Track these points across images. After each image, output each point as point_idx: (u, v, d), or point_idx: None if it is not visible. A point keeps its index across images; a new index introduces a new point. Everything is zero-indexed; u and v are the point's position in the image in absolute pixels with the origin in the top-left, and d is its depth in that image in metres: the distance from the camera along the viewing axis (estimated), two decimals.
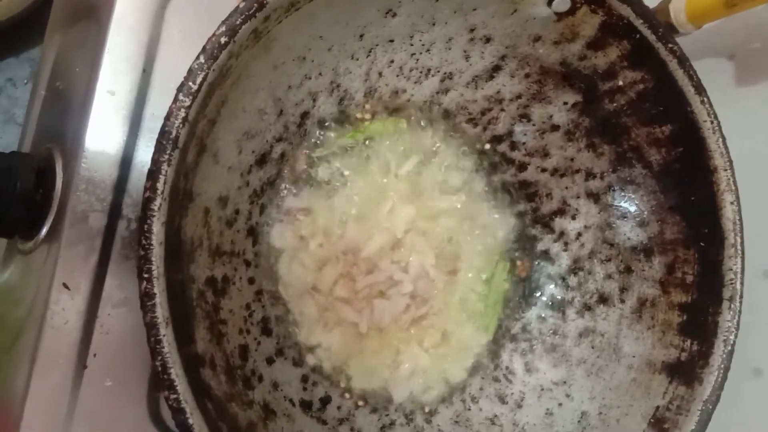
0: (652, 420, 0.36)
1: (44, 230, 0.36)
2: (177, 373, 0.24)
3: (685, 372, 0.36)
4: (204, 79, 0.25)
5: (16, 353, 0.35)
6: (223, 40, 0.25)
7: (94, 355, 0.35)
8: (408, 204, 0.39)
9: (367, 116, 0.39)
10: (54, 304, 0.34)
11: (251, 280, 0.35)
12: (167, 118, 0.25)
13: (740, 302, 0.36)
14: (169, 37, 0.37)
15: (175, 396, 0.24)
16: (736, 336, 0.36)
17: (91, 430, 0.34)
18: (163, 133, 0.24)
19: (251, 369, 0.33)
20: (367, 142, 0.39)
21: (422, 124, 0.40)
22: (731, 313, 0.36)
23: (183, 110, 0.25)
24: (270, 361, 0.34)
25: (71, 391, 0.34)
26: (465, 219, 0.41)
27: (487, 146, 0.42)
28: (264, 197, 0.35)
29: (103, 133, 0.36)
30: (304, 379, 0.36)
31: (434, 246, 0.40)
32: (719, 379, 0.35)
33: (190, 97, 0.25)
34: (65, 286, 0.34)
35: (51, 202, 0.36)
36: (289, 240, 0.36)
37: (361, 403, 0.37)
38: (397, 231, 0.39)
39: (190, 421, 0.24)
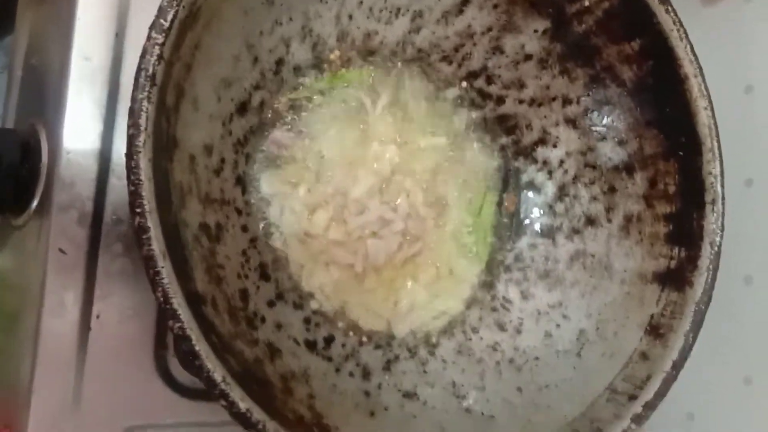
0: (648, 328, 0.37)
1: (34, 203, 0.36)
2: (179, 303, 0.25)
3: (675, 278, 0.37)
4: (174, 15, 0.26)
5: (21, 323, 0.36)
6: None
7: (97, 316, 0.35)
8: (391, 144, 0.40)
9: (342, 60, 0.39)
10: (52, 271, 0.34)
11: (244, 228, 0.35)
12: (142, 55, 0.25)
13: (723, 204, 0.37)
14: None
15: (179, 324, 0.24)
16: (721, 237, 0.37)
17: (101, 390, 0.35)
18: (140, 70, 0.25)
19: (253, 311, 0.33)
20: (344, 89, 0.40)
21: (398, 65, 0.41)
22: (715, 215, 0.37)
23: (157, 47, 0.25)
24: (271, 305, 0.35)
25: (77, 353, 0.34)
26: (449, 156, 0.42)
27: (464, 83, 0.43)
28: (248, 146, 0.36)
29: (83, 102, 0.36)
30: (306, 321, 0.37)
31: (421, 184, 0.41)
32: (709, 280, 0.36)
33: (163, 34, 0.25)
34: (61, 251, 0.35)
35: (38, 175, 0.37)
36: (279, 186, 0.36)
37: (365, 339, 0.38)
38: (383, 171, 0.39)
39: (197, 347, 0.25)
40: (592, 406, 0.36)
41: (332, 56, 0.38)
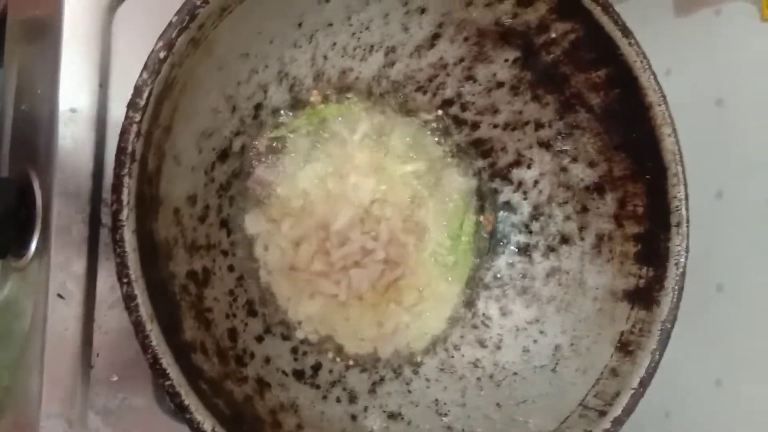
0: (618, 344, 0.39)
1: (32, 247, 0.39)
2: (168, 362, 0.27)
3: (644, 297, 0.39)
4: (150, 93, 0.27)
5: (25, 363, 0.38)
6: (162, 54, 0.27)
7: (97, 354, 0.37)
8: (369, 176, 0.42)
9: (320, 98, 0.41)
10: (52, 314, 0.36)
11: (231, 268, 0.37)
12: (121, 134, 0.27)
13: (687, 227, 0.38)
14: (119, 50, 0.38)
15: (169, 382, 0.27)
16: (686, 258, 0.38)
17: (105, 422, 0.37)
18: (120, 149, 0.27)
19: (242, 348, 0.36)
20: (322, 124, 0.41)
21: (372, 98, 0.42)
22: (680, 237, 0.38)
23: (135, 125, 0.27)
24: (259, 339, 0.37)
25: (81, 391, 0.37)
26: (426, 182, 0.44)
27: (439, 111, 0.44)
28: (231, 189, 0.37)
29: (72, 149, 0.38)
30: (294, 350, 0.39)
31: (400, 211, 0.43)
32: (674, 300, 0.38)
33: (140, 113, 0.27)
34: (60, 296, 0.37)
35: (34, 219, 0.39)
36: (263, 225, 0.38)
37: (351, 363, 0.40)
38: (362, 203, 0.41)
39: (186, 402, 0.27)
40: (565, 422, 0.38)
41: (310, 96, 0.40)
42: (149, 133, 0.28)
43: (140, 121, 0.27)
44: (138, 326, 0.26)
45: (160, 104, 0.29)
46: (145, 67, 0.27)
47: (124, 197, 0.26)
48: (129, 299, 0.26)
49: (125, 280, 0.26)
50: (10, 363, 0.42)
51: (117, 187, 0.26)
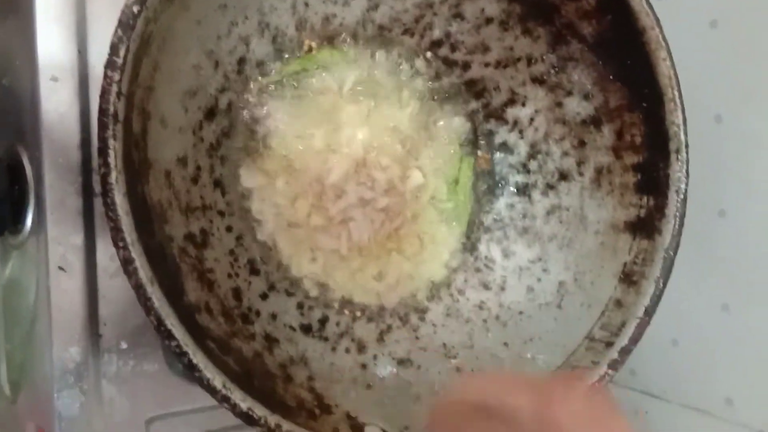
0: (621, 276, 0.39)
1: (28, 222, 0.38)
2: (172, 323, 0.27)
3: (645, 227, 0.39)
4: (127, 50, 0.26)
5: (34, 338, 0.39)
6: (135, 9, 0.26)
7: (105, 324, 0.38)
8: (362, 126, 0.41)
9: (305, 48, 0.39)
10: (55, 287, 0.36)
11: (229, 228, 0.37)
12: (102, 95, 0.26)
13: (687, 152, 0.38)
14: (95, 15, 0.37)
15: (175, 343, 0.27)
16: (686, 184, 0.38)
17: (119, 390, 0.38)
18: (102, 110, 0.26)
19: (247, 307, 0.36)
20: (312, 72, 0.40)
21: (360, 43, 0.41)
22: (679, 163, 0.38)
23: (114, 85, 0.26)
24: (264, 297, 0.37)
25: (93, 360, 0.37)
26: (420, 128, 0.43)
27: (428, 53, 0.43)
28: (222, 149, 0.37)
29: (57, 120, 0.37)
30: (300, 306, 0.39)
31: (396, 159, 0.42)
32: (676, 226, 0.38)
33: (118, 71, 0.26)
34: (61, 268, 0.37)
35: (27, 194, 0.38)
36: (258, 179, 0.38)
37: (358, 314, 0.41)
38: (356, 153, 0.41)
39: (195, 360, 0.27)
40: (573, 355, 0.38)
41: (294, 46, 0.39)
42: (131, 93, 0.28)
43: (120, 80, 0.26)
44: (139, 289, 0.26)
45: (139, 62, 0.28)
46: (119, 23, 0.26)
47: (111, 160, 0.26)
48: (127, 263, 0.26)
49: (121, 244, 0.26)
50: (21, 341, 0.42)
51: (103, 150, 0.26)
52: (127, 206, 0.26)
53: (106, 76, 0.26)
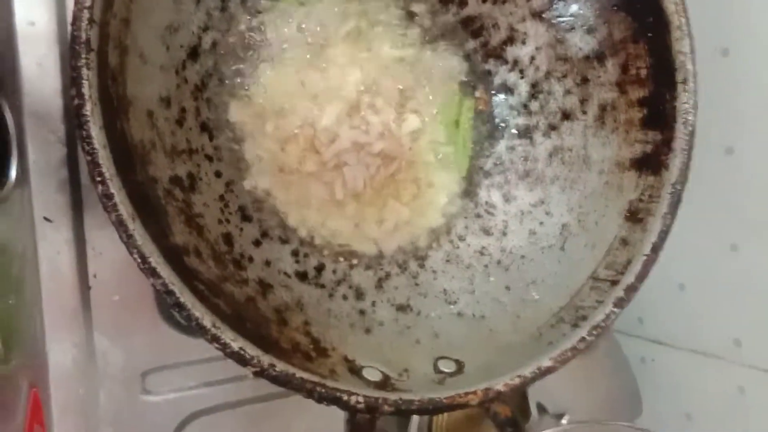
0: (627, 214, 0.38)
1: (12, 174, 0.37)
2: (157, 261, 0.26)
3: (652, 162, 0.37)
4: None
5: (24, 294, 0.38)
6: None
7: (95, 275, 0.37)
8: (355, 66, 0.39)
9: None
10: (42, 240, 0.35)
11: (218, 174, 0.36)
12: (73, 22, 0.25)
13: (694, 82, 0.36)
14: None
15: (161, 281, 0.26)
16: (695, 116, 0.36)
17: (113, 342, 0.37)
18: (73, 37, 0.24)
19: (239, 252, 0.35)
20: (302, 8, 0.38)
21: None
22: (687, 94, 0.36)
23: (86, 11, 0.25)
24: (257, 244, 0.36)
25: (83, 313, 0.36)
26: (416, 68, 0.41)
27: None
28: (207, 91, 0.35)
29: (36, 67, 0.35)
30: (295, 253, 0.38)
31: (391, 101, 0.40)
32: (684, 161, 0.36)
33: None
34: (47, 219, 0.36)
35: (9, 146, 0.37)
36: (246, 118, 0.36)
37: (354, 262, 0.39)
38: (349, 95, 0.39)
39: (182, 299, 0.26)
40: (577, 295, 0.37)
41: None
42: (105, 22, 0.26)
43: (91, 6, 0.25)
44: (120, 225, 0.25)
45: None
46: None
47: (86, 90, 0.25)
48: (106, 198, 0.25)
49: (99, 179, 0.25)
50: (13, 302, 0.41)
51: (76, 80, 0.24)
52: (105, 139, 0.25)
53: (77, 2, 0.25)
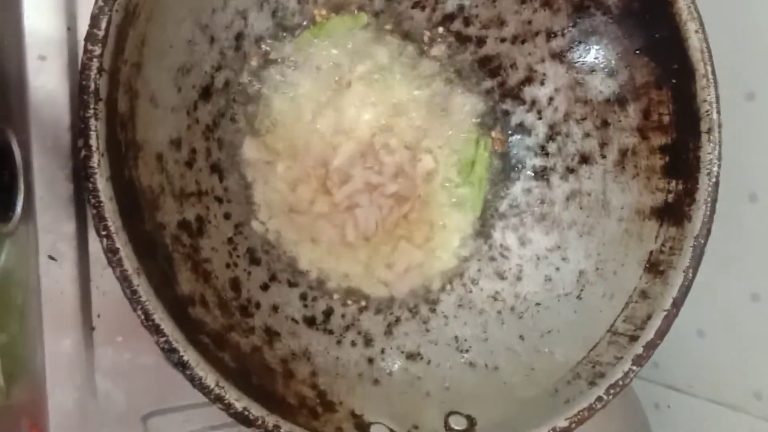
0: (647, 265, 0.37)
1: (18, 209, 0.36)
2: (161, 317, 0.25)
3: (674, 213, 0.36)
4: (108, 22, 0.24)
5: (27, 331, 0.37)
6: None
7: (98, 315, 0.36)
8: (369, 106, 0.38)
9: (316, 18, 0.37)
10: (45, 277, 0.35)
11: (227, 215, 0.35)
12: (81, 71, 0.24)
13: (719, 132, 0.35)
14: None
15: (164, 338, 0.25)
16: (719, 167, 0.35)
17: (114, 384, 0.36)
18: (82, 87, 0.24)
19: (246, 298, 0.34)
20: (318, 46, 0.38)
21: (366, 20, 0.39)
22: (711, 145, 0.35)
23: (95, 60, 0.24)
24: (265, 288, 0.35)
25: (86, 354, 0.35)
26: (432, 107, 0.40)
27: (440, 28, 0.40)
28: (219, 130, 0.35)
29: (46, 101, 0.35)
30: (303, 297, 0.37)
31: (405, 141, 0.40)
32: (708, 213, 0.35)
33: (99, 45, 0.24)
34: (51, 258, 0.35)
35: (17, 180, 0.36)
36: (260, 153, 0.35)
37: (364, 305, 0.38)
38: (363, 135, 0.38)
39: (185, 357, 0.25)
40: (594, 349, 0.36)
41: (295, 19, 0.36)
42: (115, 69, 0.25)
43: (101, 55, 0.24)
44: (124, 281, 0.24)
45: (124, 36, 0.26)
46: None
47: (93, 141, 0.24)
48: (111, 253, 0.24)
49: (104, 233, 0.24)
50: (16, 332, 0.40)
51: (84, 131, 0.24)
52: (111, 192, 0.24)
53: (86, 50, 0.24)
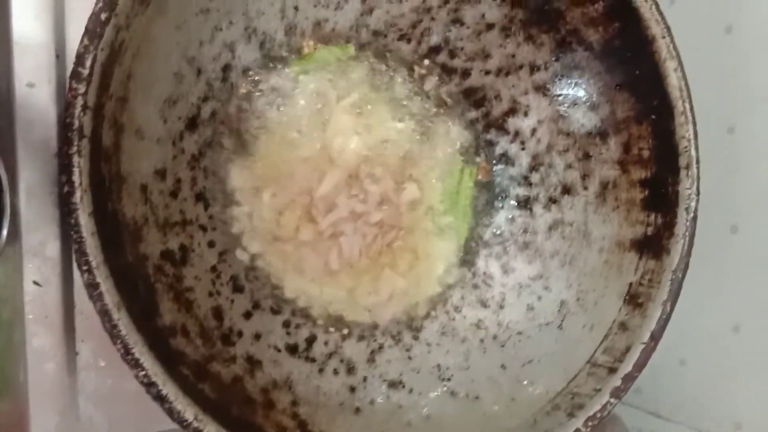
0: (626, 297, 0.37)
1: (4, 233, 0.36)
2: (141, 351, 0.25)
3: (652, 245, 0.37)
4: (93, 60, 0.24)
5: (11, 354, 0.37)
6: (103, 16, 0.24)
7: (82, 341, 0.36)
8: (354, 135, 0.39)
9: (304, 49, 0.38)
10: (30, 303, 0.35)
11: (211, 244, 0.35)
12: (66, 109, 0.24)
13: (697, 168, 0.36)
14: (74, 16, 0.35)
15: (143, 372, 0.25)
16: (697, 202, 0.36)
17: (98, 409, 0.36)
18: (66, 125, 0.24)
19: (228, 327, 0.34)
20: (305, 76, 0.38)
21: (354, 50, 0.39)
22: (690, 180, 0.36)
23: (80, 98, 0.24)
24: (248, 316, 0.36)
25: (69, 378, 0.36)
26: (416, 137, 0.41)
27: (426, 61, 0.41)
28: (205, 159, 0.35)
29: (33, 128, 0.35)
30: (286, 324, 0.37)
31: (390, 170, 0.40)
32: (686, 247, 0.36)
33: (84, 83, 0.24)
34: (36, 283, 0.35)
35: (3, 203, 0.37)
36: (247, 181, 0.36)
37: (347, 333, 0.39)
38: (348, 164, 0.39)
39: (164, 391, 0.25)
40: (574, 380, 0.36)
41: (282, 51, 0.37)
42: (100, 105, 0.26)
43: (86, 93, 0.24)
44: (104, 316, 0.24)
45: (109, 72, 0.26)
46: (86, 31, 0.24)
47: (76, 178, 0.24)
48: (91, 288, 0.24)
49: (85, 268, 0.24)
50: (1, 347, 0.40)
51: (66, 168, 0.24)
52: (93, 227, 0.25)
53: (70, 87, 0.24)
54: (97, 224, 0.25)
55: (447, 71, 0.41)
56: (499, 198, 0.43)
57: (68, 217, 0.24)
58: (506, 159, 0.43)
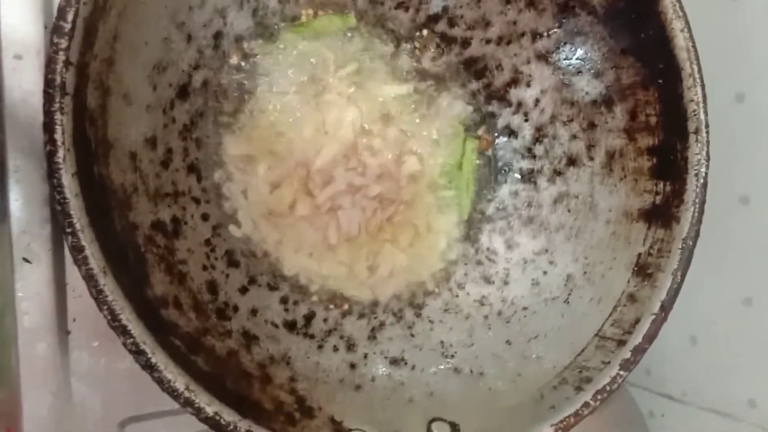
0: (635, 268, 0.36)
1: None
2: (128, 318, 0.24)
3: (661, 214, 0.35)
4: (75, 15, 0.23)
5: (3, 332, 0.36)
6: None
7: (74, 319, 0.35)
8: (352, 106, 0.38)
9: (303, 16, 0.37)
10: (20, 280, 0.34)
11: (205, 217, 0.34)
12: (47, 65, 0.23)
13: (707, 133, 0.34)
14: None
15: (131, 340, 0.24)
16: (707, 168, 0.35)
17: (91, 389, 0.35)
18: (48, 81, 0.23)
19: (224, 301, 0.33)
20: (301, 45, 0.37)
21: (353, 21, 0.38)
22: (699, 145, 0.34)
23: (62, 53, 0.23)
24: (243, 291, 0.34)
25: (61, 358, 0.35)
26: (417, 109, 0.40)
27: (424, 30, 0.40)
28: (197, 130, 0.34)
29: (21, 101, 0.34)
30: (284, 300, 0.36)
31: (390, 142, 0.39)
32: (696, 214, 0.34)
33: (66, 38, 0.23)
34: (26, 260, 0.34)
35: None
36: (242, 151, 0.35)
37: (347, 310, 0.38)
38: (346, 136, 0.37)
39: (153, 360, 0.24)
40: (581, 354, 0.35)
41: (275, 20, 0.36)
42: (83, 63, 0.25)
43: (68, 48, 0.23)
44: (90, 280, 0.23)
45: (93, 30, 0.25)
46: None
47: (58, 136, 0.23)
48: (75, 251, 0.23)
49: (69, 230, 0.23)
50: None
51: (48, 125, 0.23)
52: (77, 188, 0.24)
53: (52, 43, 0.23)
54: (82, 187, 0.24)
55: (446, 41, 0.40)
56: (503, 172, 0.42)
57: (51, 178, 0.23)
58: (509, 131, 0.41)
